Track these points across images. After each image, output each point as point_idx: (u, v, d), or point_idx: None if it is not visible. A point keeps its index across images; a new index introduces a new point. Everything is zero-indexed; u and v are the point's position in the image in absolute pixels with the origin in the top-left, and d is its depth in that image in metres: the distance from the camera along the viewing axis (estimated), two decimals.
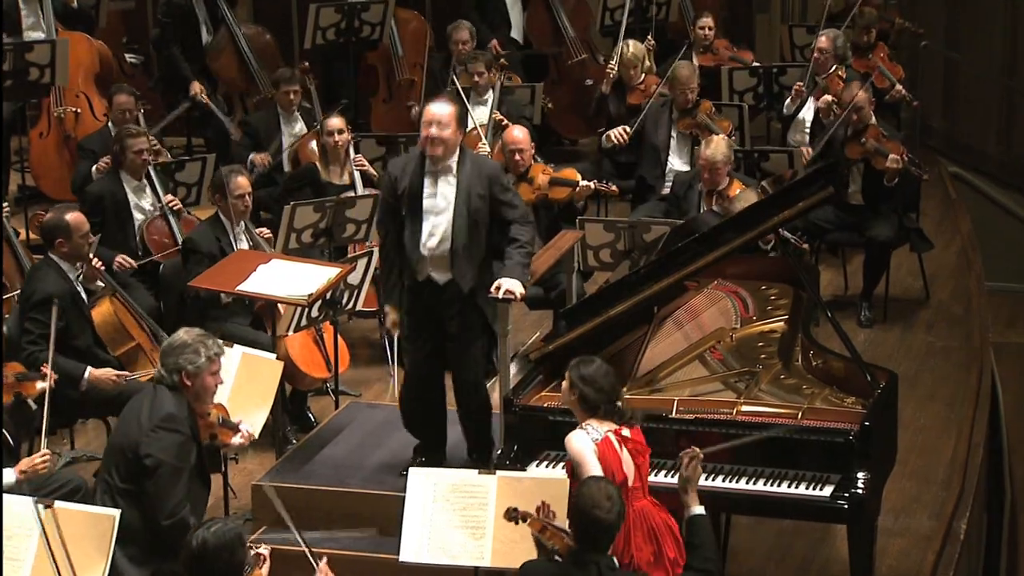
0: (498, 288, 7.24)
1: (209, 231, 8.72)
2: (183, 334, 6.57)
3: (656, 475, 6.54)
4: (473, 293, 7.37)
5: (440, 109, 7.27)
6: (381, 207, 7.67)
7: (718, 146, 9.47)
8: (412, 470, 6.38)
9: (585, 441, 6.10)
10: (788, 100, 11.09)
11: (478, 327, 7.46)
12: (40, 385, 7.30)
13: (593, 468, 6.02)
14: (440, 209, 7.33)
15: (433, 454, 7.63)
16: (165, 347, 6.59)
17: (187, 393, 6.51)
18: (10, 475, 6.60)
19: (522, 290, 7.29)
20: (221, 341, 6.71)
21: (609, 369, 6.26)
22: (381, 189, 7.92)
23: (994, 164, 13.79)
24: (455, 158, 7.33)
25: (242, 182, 8.69)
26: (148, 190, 9.56)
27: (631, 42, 11.39)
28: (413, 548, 6.24)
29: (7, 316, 8.39)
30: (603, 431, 6.13)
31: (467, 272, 7.33)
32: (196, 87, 11.66)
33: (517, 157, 9.65)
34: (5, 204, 9.28)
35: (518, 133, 9.78)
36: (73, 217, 8.08)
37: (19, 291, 8.31)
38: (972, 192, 13.34)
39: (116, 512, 6.20)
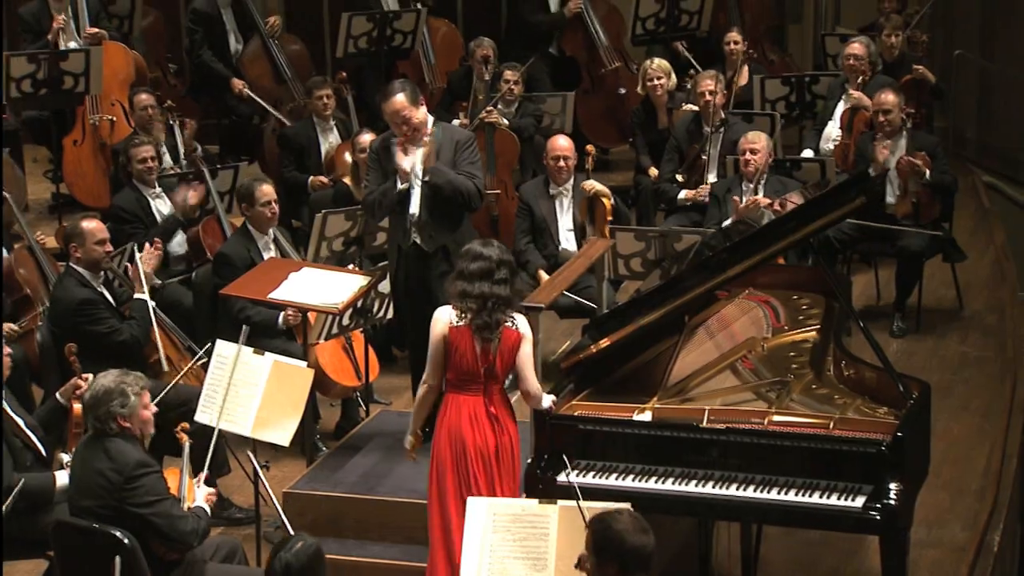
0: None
1: (238, 242, 8.78)
2: (102, 381, 6.46)
3: (685, 484, 6.54)
4: (448, 256, 7.73)
5: (399, 101, 7.66)
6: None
7: (759, 132, 9.63)
8: (470, 499, 6.28)
9: (443, 320, 6.63)
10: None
11: None
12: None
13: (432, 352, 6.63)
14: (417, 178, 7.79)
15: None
16: (90, 400, 6.46)
17: (131, 433, 6.48)
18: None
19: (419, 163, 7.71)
20: (141, 375, 6.63)
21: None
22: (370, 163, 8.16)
23: None
24: (427, 129, 7.77)
25: (267, 189, 8.75)
26: (166, 197, 9.68)
27: (655, 58, 11.34)
28: None
29: (39, 325, 8.47)
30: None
31: (436, 236, 7.75)
32: (237, 84, 11.75)
33: (561, 164, 9.59)
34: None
35: (563, 141, 9.69)
36: (88, 224, 8.19)
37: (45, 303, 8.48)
38: (1006, 202, 13.25)
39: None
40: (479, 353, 6.62)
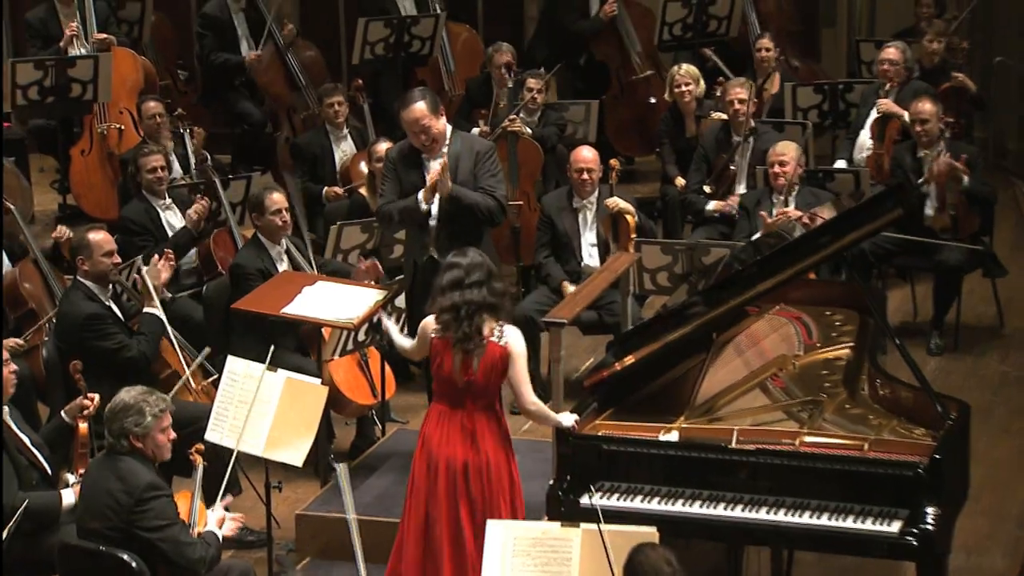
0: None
1: (251, 253, 8.70)
2: (124, 395, 6.42)
3: (713, 507, 6.44)
4: None
5: (419, 109, 7.58)
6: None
7: (787, 142, 9.55)
8: (490, 522, 6.15)
9: (427, 330, 6.63)
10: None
11: None
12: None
13: (416, 344, 6.75)
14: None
15: None
16: (108, 413, 6.44)
17: (144, 453, 6.40)
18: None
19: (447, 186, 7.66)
20: (166, 397, 6.56)
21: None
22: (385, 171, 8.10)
23: None
24: (446, 140, 7.73)
25: (277, 198, 8.70)
26: (176, 208, 9.62)
27: (683, 64, 11.17)
28: None
29: (46, 340, 8.46)
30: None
31: (451, 249, 7.45)
32: (252, 56, 11.63)
33: (584, 177, 9.39)
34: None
35: (587, 153, 9.53)
36: (95, 235, 8.14)
37: (50, 316, 8.50)
38: None
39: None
40: (459, 366, 6.53)
